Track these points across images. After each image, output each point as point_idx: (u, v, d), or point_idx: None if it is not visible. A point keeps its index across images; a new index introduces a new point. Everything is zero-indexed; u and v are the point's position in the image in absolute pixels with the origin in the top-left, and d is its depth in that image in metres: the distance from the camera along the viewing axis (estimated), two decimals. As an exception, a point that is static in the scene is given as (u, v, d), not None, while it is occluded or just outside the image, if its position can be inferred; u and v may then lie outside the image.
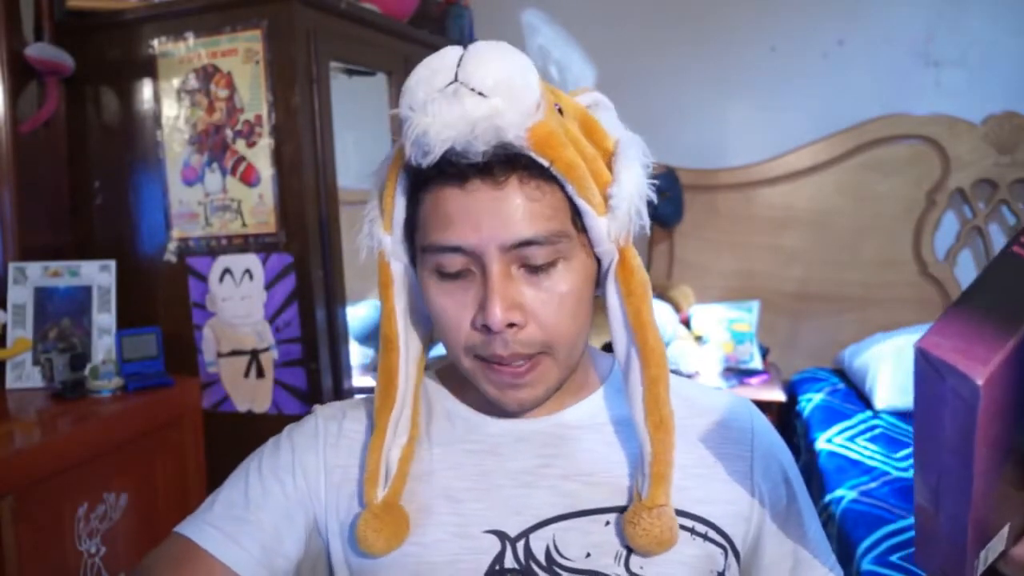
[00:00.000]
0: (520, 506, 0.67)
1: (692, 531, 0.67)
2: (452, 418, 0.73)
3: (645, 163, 0.66)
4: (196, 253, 1.66)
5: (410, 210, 0.66)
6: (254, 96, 1.59)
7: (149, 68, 1.67)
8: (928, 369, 0.43)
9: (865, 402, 2.36)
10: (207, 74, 1.62)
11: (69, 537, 1.27)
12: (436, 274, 0.65)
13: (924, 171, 2.62)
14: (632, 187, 0.64)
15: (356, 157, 2.17)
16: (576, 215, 0.63)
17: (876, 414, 2.28)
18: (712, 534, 0.68)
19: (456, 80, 0.58)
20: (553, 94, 0.65)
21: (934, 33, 2.57)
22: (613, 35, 2.76)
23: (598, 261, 0.67)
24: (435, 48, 0.62)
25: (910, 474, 1.92)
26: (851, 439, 2.14)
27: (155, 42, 1.66)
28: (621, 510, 0.67)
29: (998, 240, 2.61)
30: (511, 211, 0.60)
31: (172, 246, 1.68)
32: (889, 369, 2.29)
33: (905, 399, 2.26)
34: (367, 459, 0.68)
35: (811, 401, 2.42)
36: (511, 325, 0.62)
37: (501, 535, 0.66)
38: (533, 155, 0.60)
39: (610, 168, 0.64)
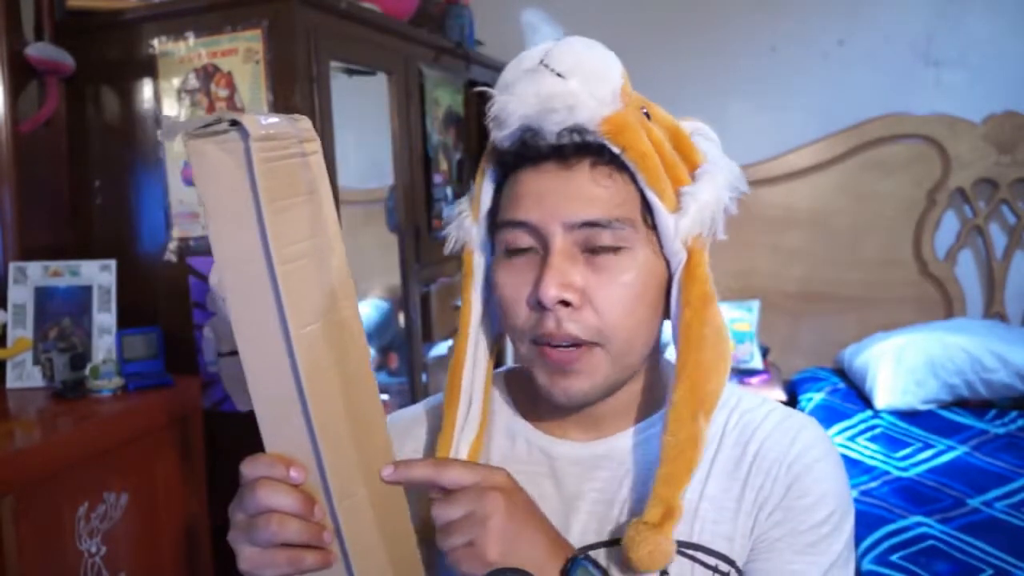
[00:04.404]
0: (567, 531, 0.65)
1: (716, 570, 0.64)
2: (513, 436, 0.72)
3: (733, 183, 0.64)
4: (196, 253, 1.66)
5: (495, 200, 0.68)
6: (254, 96, 1.59)
7: (149, 68, 1.67)
8: None
9: (865, 402, 2.37)
10: (207, 74, 1.62)
11: (69, 537, 1.27)
12: (504, 252, 0.65)
13: (924, 171, 2.62)
14: (708, 194, 0.63)
15: (356, 157, 2.17)
16: (647, 212, 0.63)
17: (876, 414, 2.28)
18: (734, 574, 0.65)
19: (540, 63, 0.61)
20: (644, 103, 0.66)
21: (934, 33, 2.57)
22: (613, 35, 2.73)
23: (668, 266, 0.64)
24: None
25: (910, 473, 1.93)
26: (851, 439, 2.15)
27: (155, 42, 1.66)
28: None
29: (998, 240, 2.62)
30: (577, 191, 0.61)
31: (172, 246, 1.68)
32: (889, 369, 2.29)
33: (905, 399, 2.26)
34: (437, 454, 0.68)
35: (811, 401, 2.42)
36: (566, 304, 0.61)
37: None
38: (606, 142, 0.61)
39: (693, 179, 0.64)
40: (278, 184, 0.51)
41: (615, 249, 0.62)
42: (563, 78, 0.60)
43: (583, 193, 0.61)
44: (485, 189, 0.68)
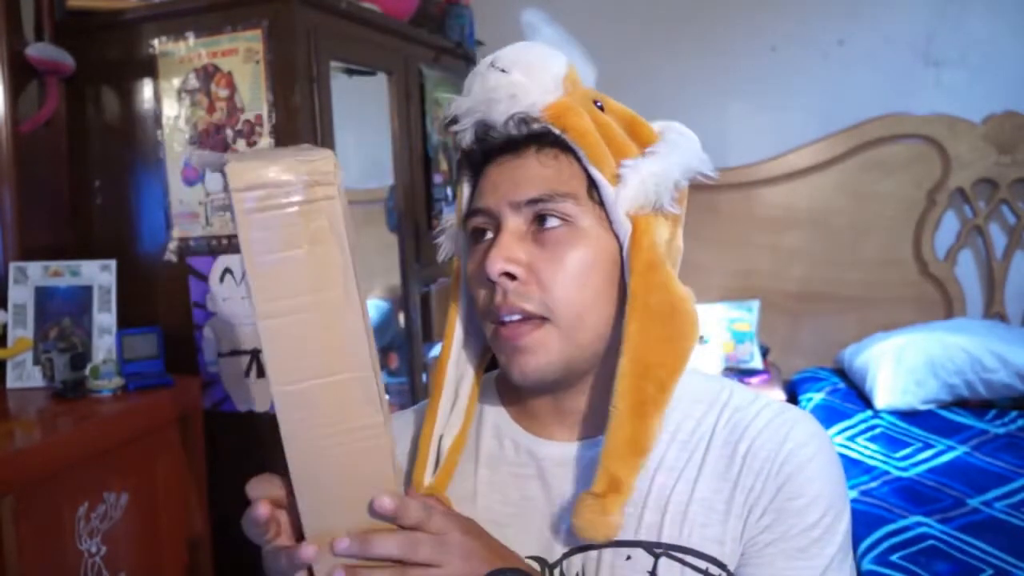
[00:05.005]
0: (556, 532, 0.66)
1: (705, 572, 0.63)
2: (500, 436, 0.73)
3: (689, 162, 0.66)
4: (197, 253, 1.66)
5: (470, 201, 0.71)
6: (254, 96, 1.59)
7: (149, 68, 1.67)
8: None
9: (865, 402, 2.36)
10: (207, 74, 1.62)
11: (70, 536, 1.27)
12: (470, 242, 0.69)
13: (924, 171, 2.62)
14: (652, 168, 0.65)
15: (356, 157, 2.18)
16: (595, 189, 0.65)
17: (876, 414, 2.28)
18: None
19: (489, 65, 0.67)
20: (598, 96, 0.69)
21: (934, 33, 2.57)
22: (613, 35, 2.76)
23: (620, 244, 0.66)
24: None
25: (910, 473, 1.93)
26: (851, 439, 2.15)
27: (155, 42, 1.66)
28: (645, 544, 0.64)
29: (998, 240, 2.62)
30: (525, 174, 0.65)
31: (172, 246, 1.68)
32: (889, 369, 2.29)
33: (905, 399, 2.26)
34: (419, 444, 0.70)
35: (811, 401, 2.42)
36: (511, 277, 0.63)
37: (541, 561, 0.66)
38: (549, 126, 0.65)
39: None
40: (266, 235, 0.47)
41: (561, 222, 0.64)
42: (506, 72, 0.66)
43: (530, 175, 0.65)
44: (464, 193, 0.72)
